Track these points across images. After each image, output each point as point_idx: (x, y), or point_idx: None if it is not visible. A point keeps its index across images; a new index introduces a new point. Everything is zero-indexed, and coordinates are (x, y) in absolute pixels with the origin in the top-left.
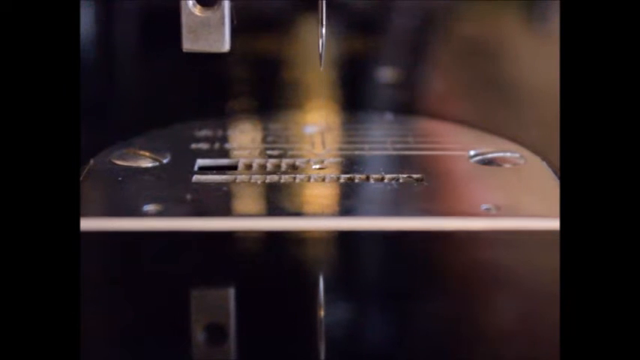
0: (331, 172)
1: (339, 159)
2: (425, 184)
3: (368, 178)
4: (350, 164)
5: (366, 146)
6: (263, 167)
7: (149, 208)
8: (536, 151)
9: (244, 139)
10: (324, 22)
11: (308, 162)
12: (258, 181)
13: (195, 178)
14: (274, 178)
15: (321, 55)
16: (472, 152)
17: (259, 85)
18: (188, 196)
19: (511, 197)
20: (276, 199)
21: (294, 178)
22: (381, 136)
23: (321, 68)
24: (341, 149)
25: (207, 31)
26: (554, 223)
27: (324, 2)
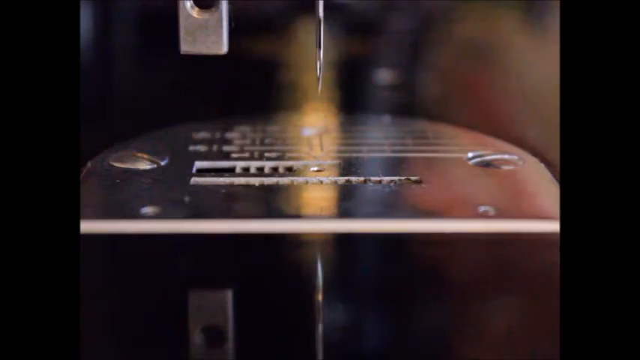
0: (329, 175)
1: (337, 161)
2: (423, 186)
3: (366, 181)
4: (348, 166)
5: (365, 148)
6: (261, 169)
7: (147, 210)
8: (534, 153)
9: (242, 141)
10: (321, 45)
11: (306, 164)
12: (256, 184)
13: (193, 180)
14: (272, 180)
15: (319, 79)
16: (470, 154)
17: (257, 87)
18: (186, 199)
19: (509, 199)
20: (274, 202)
21: (292, 181)
22: (379, 139)
23: (319, 92)
24: (339, 151)
25: (205, 33)
26: (552, 225)
27: (321, 25)
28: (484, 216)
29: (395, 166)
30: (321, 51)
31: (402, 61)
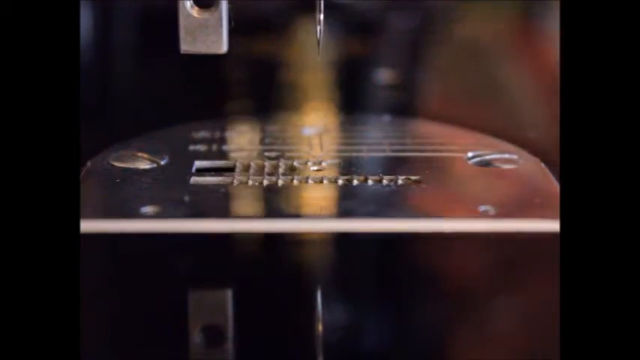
0: (329, 174)
1: (337, 161)
2: (423, 186)
3: (366, 180)
4: (348, 166)
5: (364, 148)
6: (261, 169)
7: (147, 209)
8: (534, 152)
9: (242, 140)
10: (321, 9)
11: (306, 164)
12: (256, 183)
13: (193, 179)
14: (272, 179)
15: (318, 42)
16: (470, 154)
17: (257, 86)
18: (186, 198)
19: (509, 199)
20: (274, 201)
21: (292, 180)
22: (379, 138)
23: (319, 55)
24: (339, 151)
25: (205, 32)
26: (552, 225)
27: None
28: (484, 216)
29: (395, 165)
30: (322, 14)
31: (402, 61)
